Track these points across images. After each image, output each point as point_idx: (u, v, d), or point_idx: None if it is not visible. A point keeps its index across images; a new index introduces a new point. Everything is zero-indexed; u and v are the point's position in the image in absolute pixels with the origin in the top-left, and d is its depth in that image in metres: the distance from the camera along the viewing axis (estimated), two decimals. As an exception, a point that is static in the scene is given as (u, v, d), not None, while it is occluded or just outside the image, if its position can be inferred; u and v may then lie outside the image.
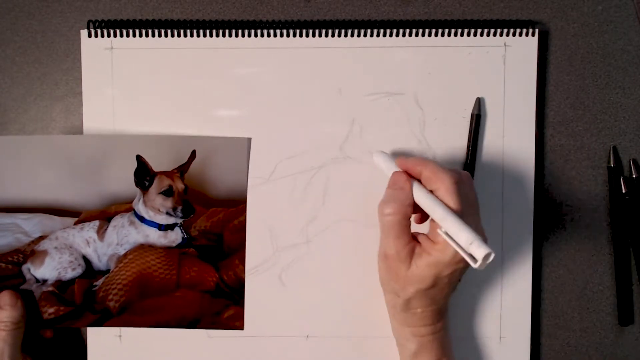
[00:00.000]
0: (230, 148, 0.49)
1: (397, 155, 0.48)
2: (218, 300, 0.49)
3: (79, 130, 0.50)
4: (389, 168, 0.45)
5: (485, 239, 0.40)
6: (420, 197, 0.41)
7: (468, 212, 0.41)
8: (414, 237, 0.42)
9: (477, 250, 0.36)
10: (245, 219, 0.49)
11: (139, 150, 0.48)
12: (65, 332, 0.50)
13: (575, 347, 0.51)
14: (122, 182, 0.49)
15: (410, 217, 0.42)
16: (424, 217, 0.46)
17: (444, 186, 0.40)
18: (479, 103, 0.49)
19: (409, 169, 0.43)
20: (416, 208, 0.43)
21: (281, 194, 0.49)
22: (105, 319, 0.48)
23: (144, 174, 0.49)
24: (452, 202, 0.40)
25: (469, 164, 0.49)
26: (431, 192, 0.41)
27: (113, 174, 0.49)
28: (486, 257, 0.36)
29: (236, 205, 0.49)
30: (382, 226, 0.43)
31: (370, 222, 0.49)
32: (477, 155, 0.49)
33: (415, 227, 0.44)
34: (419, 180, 0.43)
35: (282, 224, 0.49)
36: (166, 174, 0.49)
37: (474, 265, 0.37)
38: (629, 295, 0.51)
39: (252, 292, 0.49)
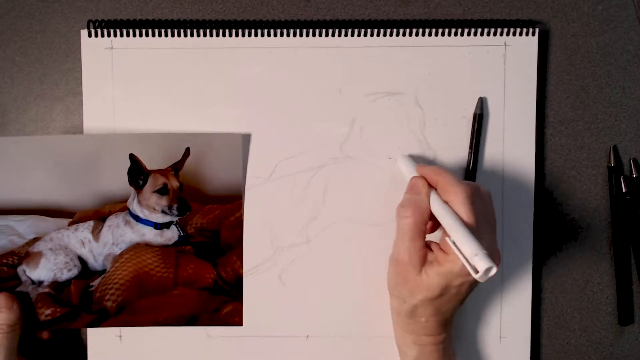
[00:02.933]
0: (224, 144, 0.49)
1: (419, 161, 0.48)
2: (216, 297, 0.49)
3: (79, 130, 0.50)
4: (409, 173, 0.46)
5: (497, 257, 0.41)
6: (435, 205, 0.42)
7: (483, 228, 0.41)
8: (427, 245, 0.43)
9: (479, 263, 0.37)
10: (241, 215, 0.49)
11: (132, 149, 0.48)
12: (63, 333, 0.50)
13: (575, 347, 0.51)
14: (116, 181, 0.49)
15: (427, 222, 0.42)
16: (434, 226, 0.45)
17: (457, 198, 0.40)
18: (482, 103, 0.48)
19: (427, 177, 0.44)
20: (431, 217, 0.43)
21: (281, 194, 0.49)
22: (103, 319, 0.48)
23: (137, 173, 0.48)
24: (464, 214, 0.40)
25: (472, 163, 0.49)
26: (446, 202, 0.42)
27: (106, 174, 0.48)
28: (487, 270, 0.37)
29: (232, 201, 0.49)
30: (399, 229, 0.43)
31: (370, 222, 0.49)
32: (477, 155, 0.49)
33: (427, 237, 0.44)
34: (436, 190, 0.43)
35: (282, 223, 0.49)
36: (160, 172, 0.49)
37: (475, 276, 0.37)
38: (629, 295, 0.51)
39: (252, 292, 0.49)
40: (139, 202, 0.49)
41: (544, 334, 0.51)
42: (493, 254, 0.41)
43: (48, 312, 0.47)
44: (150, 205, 0.49)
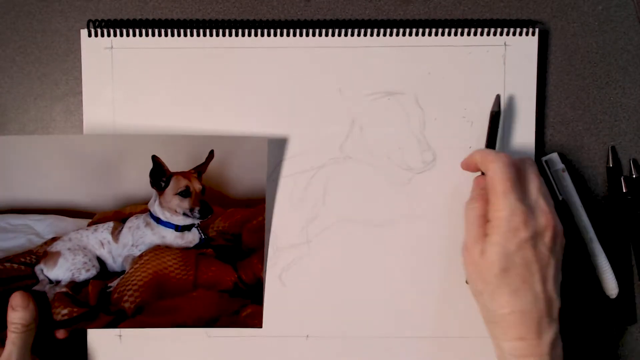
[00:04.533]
0: (249, 147, 0.48)
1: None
2: (236, 300, 0.49)
3: (79, 130, 0.50)
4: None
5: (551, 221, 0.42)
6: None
7: (518, 190, 0.42)
8: None
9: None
10: (263, 219, 0.49)
11: (154, 150, 0.47)
12: (71, 333, 0.49)
13: (576, 347, 0.51)
14: (137, 182, 0.48)
15: (487, 213, 0.43)
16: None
17: (494, 164, 0.43)
18: (499, 100, 0.48)
19: (468, 165, 0.47)
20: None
21: (281, 194, 0.49)
22: (120, 320, 0.47)
23: (159, 175, 0.48)
24: (505, 177, 0.42)
25: None
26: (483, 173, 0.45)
27: (128, 175, 0.48)
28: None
29: (255, 205, 0.49)
30: (466, 219, 0.44)
31: (370, 221, 0.49)
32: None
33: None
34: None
35: (282, 224, 0.49)
36: (183, 174, 0.48)
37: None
38: (631, 295, 0.51)
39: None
40: (160, 204, 0.48)
41: (544, 334, 0.51)
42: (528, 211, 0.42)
43: (65, 312, 0.47)
44: (172, 208, 0.48)
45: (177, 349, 0.50)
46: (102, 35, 0.48)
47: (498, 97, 0.48)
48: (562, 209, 0.51)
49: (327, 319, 0.50)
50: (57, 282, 0.48)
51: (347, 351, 0.50)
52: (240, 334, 0.50)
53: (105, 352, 0.49)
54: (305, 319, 0.50)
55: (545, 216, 0.42)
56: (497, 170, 0.42)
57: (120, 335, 0.49)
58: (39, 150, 0.48)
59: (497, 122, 0.48)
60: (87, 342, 0.49)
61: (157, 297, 0.48)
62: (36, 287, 0.47)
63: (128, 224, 0.49)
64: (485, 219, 0.43)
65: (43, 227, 0.48)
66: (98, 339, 0.49)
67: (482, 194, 0.44)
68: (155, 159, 0.47)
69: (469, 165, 0.47)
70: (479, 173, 0.48)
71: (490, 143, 0.48)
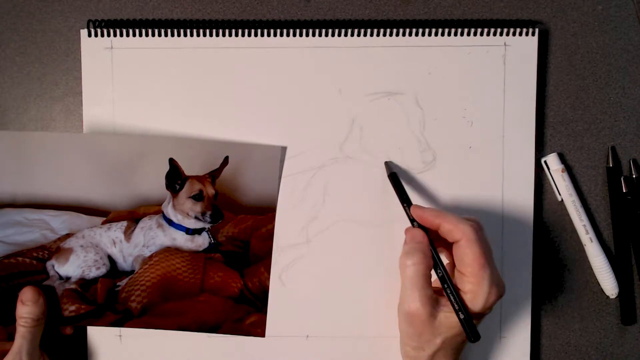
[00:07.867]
0: (263, 155, 0.49)
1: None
2: (241, 307, 0.49)
3: (79, 130, 0.50)
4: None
5: (502, 285, 0.42)
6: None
7: (491, 260, 0.41)
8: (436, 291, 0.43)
9: None
10: (273, 228, 0.49)
11: (171, 152, 0.48)
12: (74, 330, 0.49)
13: (575, 347, 0.51)
14: (153, 183, 0.48)
15: (431, 268, 0.42)
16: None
17: (466, 237, 0.41)
18: (389, 165, 0.48)
19: (426, 221, 0.43)
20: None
21: (281, 194, 0.49)
22: (126, 319, 0.47)
23: (175, 177, 0.48)
24: (477, 251, 0.40)
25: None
26: (452, 243, 0.42)
27: (144, 175, 0.48)
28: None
29: (265, 213, 0.49)
30: (405, 278, 0.42)
31: (370, 222, 0.49)
32: (475, 156, 0.49)
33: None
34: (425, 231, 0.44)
35: (282, 224, 0.49)
36: (197, 178, 0.48)
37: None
38: (631, 295, 0.51)
39: (252, 292, 0.49)
40: (174, 206, 0.49)
41: (544, 334, 0.51)
42: (499, 284, 0.42)
43: (72, 308, 0.47)
44: (185, 211, 0.49)
45: (177, 348, 0.50)
46: (102, 35, 0.48)
47: (387, 164, 0.49)
48: (561, 209, 0.51)
49: (327, 319, 0.50)
50: (67, 279, 0.48)
51: (347, 351, 0.50)
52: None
53: (105, 352, 0.49)
54: (305, 319, 0.50)
55: (501, 289, 0.42)
56: (474, 245, 0.40)
57: (120, 335, 0.49)
58: (58, 148, 0.48)
59: (399, 181, 0.47)
60: (87, 341, 0.49)
61: (164, 299, 0.48)
62: (46, 282, 0.48)
63: (141, 224, 0.49)
64: (428, 278, 0.42)
65: (58, 223, 0.49)
66: (98, 338, 0.49)
67: (420, 248, 0.42)
68: (172, 161, 0.48)
69: (424, 220, 0.43)
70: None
71: (404, 199, 0.46)
